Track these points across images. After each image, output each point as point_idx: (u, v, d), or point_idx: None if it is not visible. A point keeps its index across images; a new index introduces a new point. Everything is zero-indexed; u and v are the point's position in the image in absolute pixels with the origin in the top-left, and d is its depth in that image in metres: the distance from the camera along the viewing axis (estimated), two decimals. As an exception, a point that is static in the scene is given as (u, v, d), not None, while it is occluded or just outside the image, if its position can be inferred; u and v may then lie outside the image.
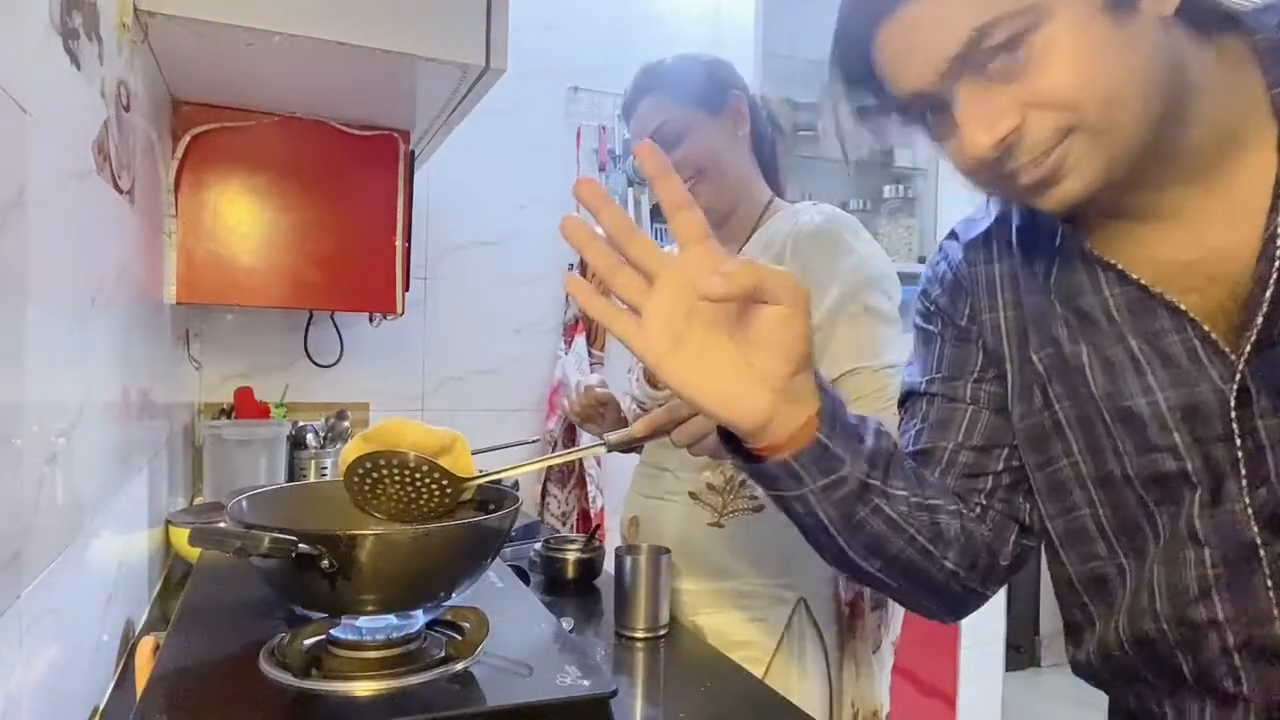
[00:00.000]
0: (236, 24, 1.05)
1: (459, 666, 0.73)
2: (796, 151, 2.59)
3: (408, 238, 1.69)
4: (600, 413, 1.21)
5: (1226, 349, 0.53)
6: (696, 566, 1.10)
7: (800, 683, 1.05)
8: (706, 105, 1.11)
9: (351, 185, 1.62)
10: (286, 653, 0.72)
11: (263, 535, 0.66)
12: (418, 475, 0.79)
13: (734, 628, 1.06)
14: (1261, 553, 0.53)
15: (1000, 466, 0.66)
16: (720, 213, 1.13)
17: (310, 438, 1.83)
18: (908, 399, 0.72)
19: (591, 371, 2.31)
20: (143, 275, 1.18)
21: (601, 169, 2.37)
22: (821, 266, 1.01)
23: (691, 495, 1.11)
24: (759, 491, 0.94)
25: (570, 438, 2.26)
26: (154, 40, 1.10)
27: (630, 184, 2.33)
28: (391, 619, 0.76)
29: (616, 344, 2.37)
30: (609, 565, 1.26)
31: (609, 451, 1.16)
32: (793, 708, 0.82)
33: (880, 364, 0.99)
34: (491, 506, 0.86)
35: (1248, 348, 0.51)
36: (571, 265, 2.33)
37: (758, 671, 1.02)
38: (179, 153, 1.45)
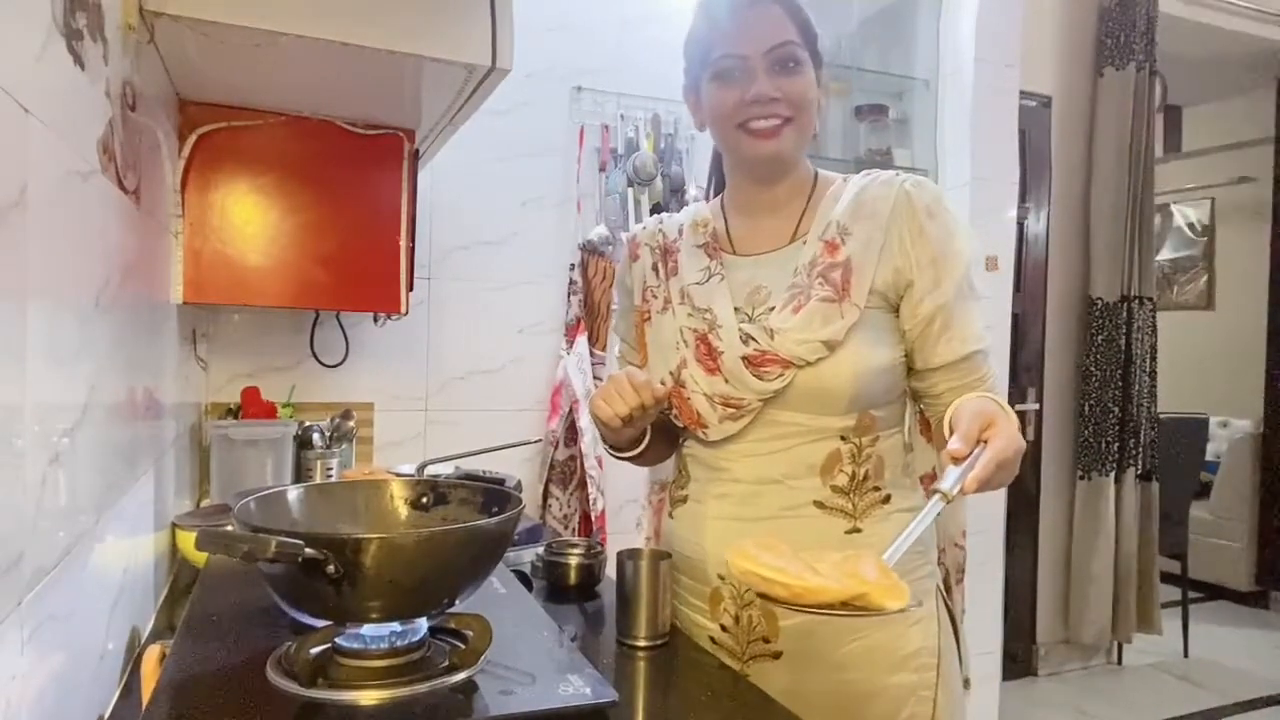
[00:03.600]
0: (243, 25, 1.04)
1: (462, 676, 0.72)
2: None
3: (411, 237, 1.69)
4: (647, 410, 0.98)
5: None
6: None
7: (957, 672, 1.00)
8: (815, 58, 1.00)
9: (356, 185, 1.62)
10: (293, 662, 0.71)
11: (269, 539, 0.66)
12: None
13: (899, 640, 0.96)
14: None
15: None
16: (784, 167, 1.02)
17: (316, 437, 1.83)
18: None
19: (593, 372, 2.30)
20: (148, 275, 1.18)
21: (602, 169, 2.37)
22: (948, 248, 0.96)
23: (817, 504, 0.97)
24: (882, 480, 0.98)
25: (571, 437, 2.26)
26: (160, 41, 1.10)
27: (630, 184, 2.33)
28: (395, 626, 0.75)
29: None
30: (610, 566, 1.26)
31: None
32: (795, 718, 0.81)
33: (986, 346, 0.97)
34: (495, 509, 0.86)
35: None
36: (573, 265, 2.33)
37: (931, 678, 0.96)
38: (185, 152, 1.45)
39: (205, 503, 1.71)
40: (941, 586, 1.03)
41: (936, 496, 0.75)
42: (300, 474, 1.79)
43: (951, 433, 0.81)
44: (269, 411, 1.88)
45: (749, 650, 0.98)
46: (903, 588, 0.69)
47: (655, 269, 1.10)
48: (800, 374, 0.94)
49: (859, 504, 0.97)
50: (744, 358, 0.96)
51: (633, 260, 1.15)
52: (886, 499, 0.98)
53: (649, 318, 1.09)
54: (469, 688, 0.71)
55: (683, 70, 1.09)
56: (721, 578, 1.00)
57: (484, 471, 1.69)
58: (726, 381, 0.97)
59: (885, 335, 0.97)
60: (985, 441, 0.78)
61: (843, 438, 0.96)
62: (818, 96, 1.00)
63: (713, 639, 1.01)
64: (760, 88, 0.96)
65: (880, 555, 0.72)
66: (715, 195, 1.15)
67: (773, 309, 0.97)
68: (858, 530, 0.97)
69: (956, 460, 0.77)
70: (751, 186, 1.05)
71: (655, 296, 1.09)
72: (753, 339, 0.96)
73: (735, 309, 1.00)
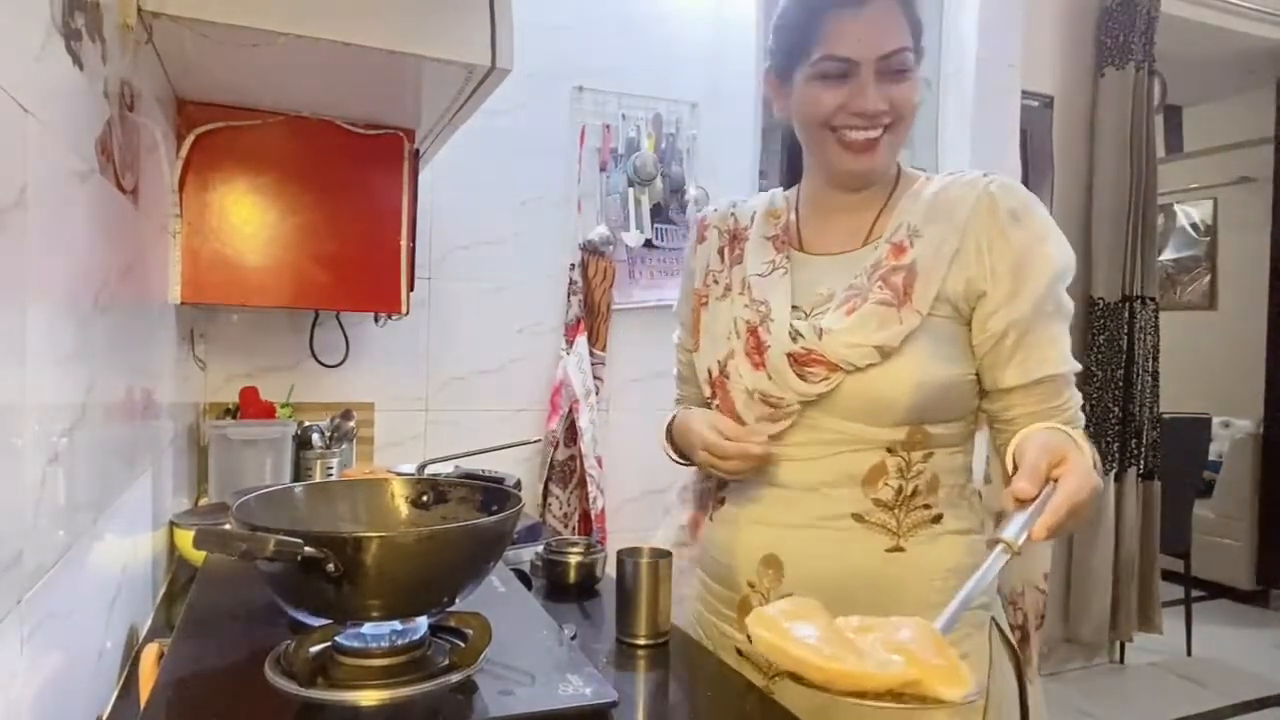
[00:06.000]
0: (241, 24, 1.04)
1: (462, 675, 0.72)
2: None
3: (412, 237, 1.69)
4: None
5: None
6: (881, 606, 0.75)
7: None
8: (919, 51, 0.90)
9: (356, 185, 1.61)
10: (292, 661, 0.71)
11: (268, 538, 0.66)
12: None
13: None
14: None
15: None
16: (873, 179, 0.94)
17: (316, 438, 1.83)
18: None
19: (593, 372, 2.30)
20: (147, 275, 1.18)
21: (603, 169, 2.37)
22: (1031, 257, 0.86)
23: (856, 517, 0.89)
24: (935, 497, 0.89)
25: (571, 437, 2.26)
26: (158, 41, 1.10)
27: (631, 184, 2.33)
28: (395, 625, 0.75)
29: (619, 344, 2.37)
30: (610, 565, 1.26)
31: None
32: (793, 717, 0.81)
33: (1068, 370, 0.88)
34: (494, 508, 0.86)
35: None
36: (573, 265, 2.33)
37: None
38: (183, 152, 1.45)
39: (203, 502, 1.71)
40: (1002, 627, 0.92)
41: (999, 548, 0.64)
42: (300, 474, 1.79)
43: (1015, 469, 0.72)
44: (268, 411, 1.87)
45: (775, 666, 0.91)
46: (963, 671, 0.57)
47: (721, 253, 1.04)
48: (848, 380, 0.87)
49: (904, 521, 0.88)
50: (789, 354, 0.90)
51: (699, 242, 1.09)
52: (937, 518, 0.89)
53: (706, 303, 1.04)
54: (469, 687, 0.71)
55: (768, 49, 0.99)
56: (751, 585, 0.94)
57: (484, 471, 1.69)
58: (770, 378, 0.91)
59: (951, 349, 0.88)
60: (1055, 480, 0.69)
61: (889, 450, 0.88)
62: (919, 98, 0.91)
63: (739, 651, 0.96)
64: (868, 101, 0.87)
65: (931, 624, 0.61)
66: (790, 185, 1.08)
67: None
68: (900, 549, 0.88)
69: (1022, 502, 0.68)
70: (831, 189, 0.98)
71: (716, 282, 1.03)
72: (801, 335, 0.90)
73: (794, 306, 0.94)
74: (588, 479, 2.24)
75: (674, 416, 1.07)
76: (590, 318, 2.33)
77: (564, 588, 1.18)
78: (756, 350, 0.93)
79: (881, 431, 0.88)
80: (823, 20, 0.87)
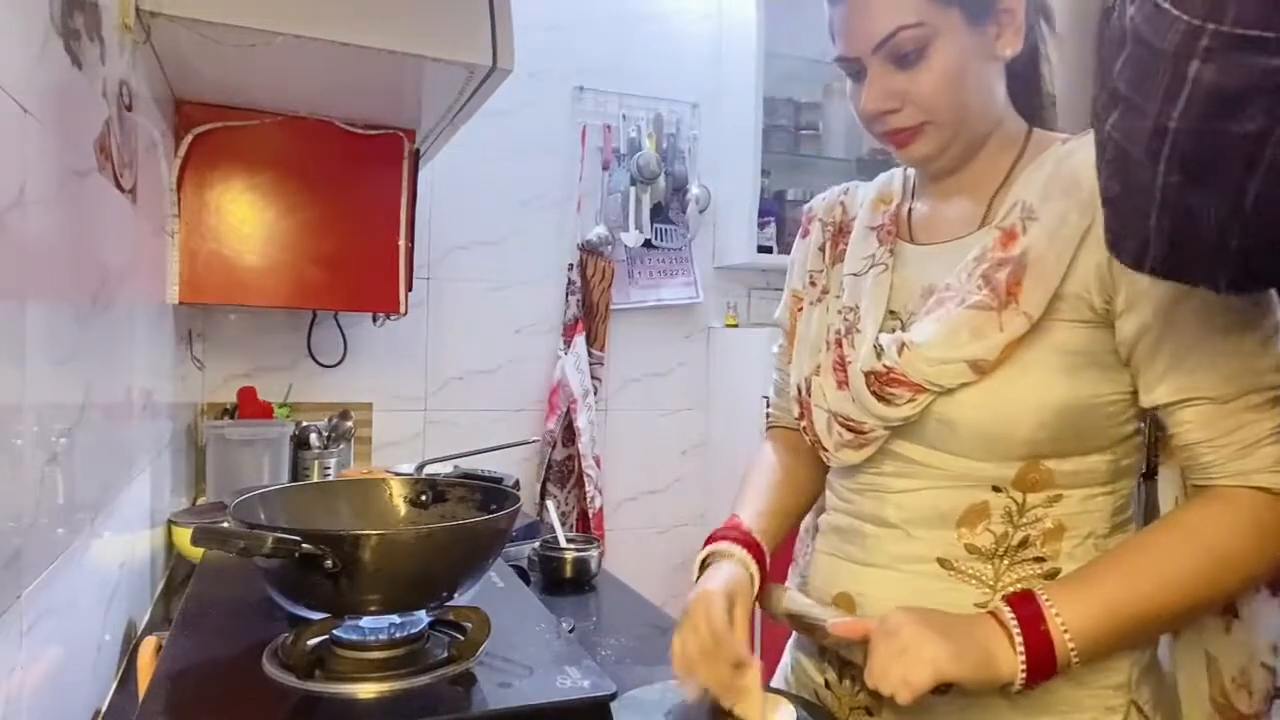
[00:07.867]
0: (239, 24, 1.05)
1: (461, 668, 0.73)
2: (798, 150, 2.59)
3: (410, 237, 1.69)
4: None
5: None
6: None
7: None
8: (967, 6, 0.72)
9: (355, 185, 1.62)
10: (290, 653, 0.72)
11: (266, 535, 0.66)
12: None
13: None
14: None
15: None
16: (952, 161, 0.78)
17: (314, 438, 1.83)
18: None
19: (591, 372, 2.30)
20: (145, 275, 1.18)
21: (605, 168, 2.37)
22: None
23: (942, 563, 0.73)
24: (1054, 549, 0.71)
25: (569, 437, 2.27)
26: (156, 40, 1.10)
27: (634, 182, 2.33)
28: (394, 618, 0.76)
29: (618, 344, 2.38)
30: (608, 565, 1.26)
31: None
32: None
33: (1244, 388, 0.65)
34: (493, 506, 0.86)
35: None
36: (571, 265, 2.34)
37: None
38: (181, 152, 1.46)
39: (201, 501, 1.71)
40: (1140, 708, 0.72)
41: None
42: (297, 474, 1.79)
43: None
44: (265, 411, 1.88)
45: (850, 718, 0.79)
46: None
47: (823, 250, 0.90)
48: (937, 403, 0.72)
49: (1004, 574, 0.72)
50: (869, 373, 0.75)
51: (802, 237, 0.95)
52: (1052, 574, 0.71)
53: (802, 307, 0.90)
54: (467, 680, 0.72)
55: None
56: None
57: (482, 471, 1.70)
58: (853, 400, 0.77)
59: (1081, 360, 0.69)
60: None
61: (995, 489, 0.72)
62: (967, 68, 0.73)
63: (815, 694, 0.84)
64: (865, 102, 0.75)
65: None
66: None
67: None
68: None
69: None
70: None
71: (814, 284, 0.89)
72: (885, 351, 0.74)
73: (890, 311, 0.79)
74: (586, 479, 2.25)
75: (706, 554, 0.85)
76: (589, 318, 2.34)
77: (560, 583, 1.19)
78: (841, 366, 0.79)
79: (984, 467, 0.72)
80: (830, 15, 0.77)
